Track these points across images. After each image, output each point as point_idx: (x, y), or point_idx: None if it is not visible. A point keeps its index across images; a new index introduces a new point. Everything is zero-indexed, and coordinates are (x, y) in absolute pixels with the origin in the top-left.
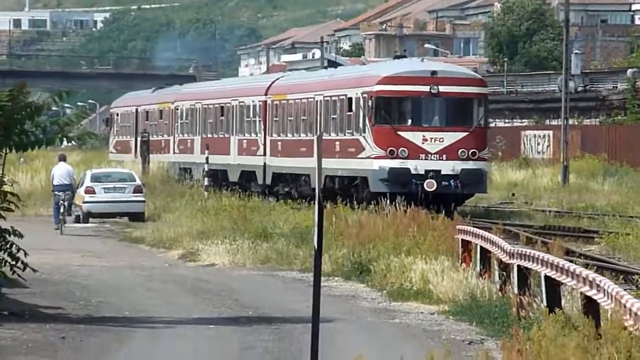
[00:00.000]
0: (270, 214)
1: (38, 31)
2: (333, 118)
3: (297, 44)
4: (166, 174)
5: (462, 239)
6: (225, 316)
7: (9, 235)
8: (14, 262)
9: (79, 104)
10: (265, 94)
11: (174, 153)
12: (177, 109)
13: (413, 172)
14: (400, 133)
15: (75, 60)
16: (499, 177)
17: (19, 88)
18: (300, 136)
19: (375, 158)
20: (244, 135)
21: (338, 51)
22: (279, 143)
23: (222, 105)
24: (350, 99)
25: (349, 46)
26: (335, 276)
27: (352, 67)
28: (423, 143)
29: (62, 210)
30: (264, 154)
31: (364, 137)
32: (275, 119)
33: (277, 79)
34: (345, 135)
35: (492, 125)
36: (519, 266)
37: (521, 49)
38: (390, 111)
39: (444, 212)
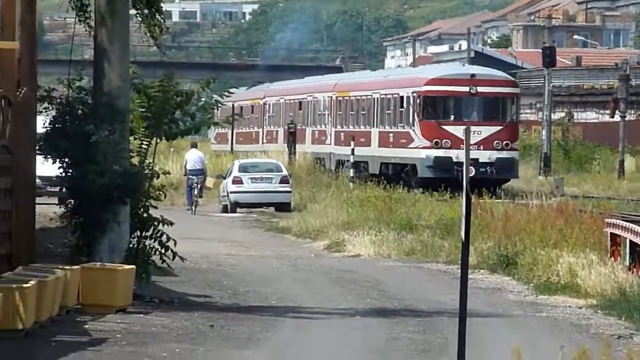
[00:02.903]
0: (414, 206)
1: (188, 23)
2: (388, 113)
3: (443, 35)
4: (311, 165)
5: (610, 233)
6: (370, 307)
7: (159, 224)
8: (163, 251)
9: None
10: (332, 91)
11: (263, 143)
12: (266, 104)
13: (455, 160)
14: (444, 127)
15: (224, 51)
16: None
17: (167, 78)
18: (359, 128)
19: (422, 148)
20: (316, 127)
21: (485, 42)
22: (342, 134)
23: (300, 100)
24: (402, 97)
25: (496, 37)
26: (480, 269)
27: (403, 70)
28: (463, 135)
29: (195, 192)
30: (330, 143)
31: (413, 130)
32: (339, 112)
33: (342, 78)
34: (397, 128)
35: None
36: None
37: None
38: (436, 108)
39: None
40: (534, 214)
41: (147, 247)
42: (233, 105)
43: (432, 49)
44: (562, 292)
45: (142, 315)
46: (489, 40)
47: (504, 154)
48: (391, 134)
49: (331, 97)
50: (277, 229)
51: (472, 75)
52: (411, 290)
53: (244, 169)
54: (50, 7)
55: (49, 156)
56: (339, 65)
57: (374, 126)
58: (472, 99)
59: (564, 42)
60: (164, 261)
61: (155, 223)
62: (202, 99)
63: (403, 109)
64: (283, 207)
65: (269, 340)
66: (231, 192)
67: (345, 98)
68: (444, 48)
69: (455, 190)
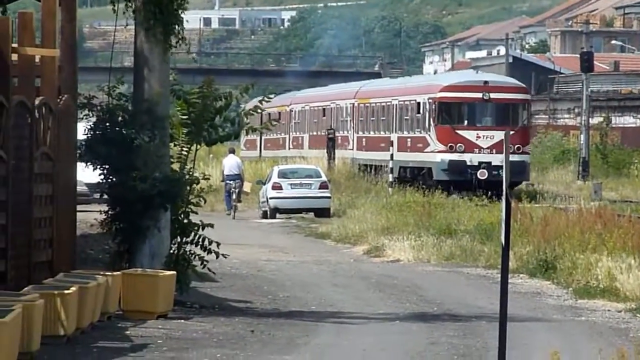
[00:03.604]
0: (453, 210)
1: (227, 29)
2: (406, 119)
3: (481, 40)
4: (351, 171)
5: None
6: (410, 312)
7: (199, 229)
8: (205, 254)
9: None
10: (354, 98)
11: (289, 149)
12: (292, 111)
13: (469, 163)
14: (458, 131)
15: (263, 58)
16: None
17: (207, 84)
18: (380, 133)
19: (437, 152)
20: (339, 132)
21: (523, 48)
22: (364, 139)
23: (323, 107)
24: (418, 104)
25: (534, 43)
26: (520, 273)
27: (420, 77)
28: (477, 139)
29: (233, 197)
30: (352, 149)
31: (429, 135)
32: (360, 119)
33: (363, 86)
34: (414, 133)
35: None
36: None
37: None
38: (450, 114)
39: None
40: (572, 218)
41: (188, 253)
42: (262, 112)
43: (470, 55)
44: (601, 296)
45: (182, 320)
46: (526, 46)
47: (516, 158)
48: (409, 139)
49: (353, 104)
50: (317, 234)
51: (485, 82)
52: (450, 295)
53: (283, 174)
54: (90, 15)
55: (89, 163)
56: (377, 71)
57: (393, 131)
58: (485, 104)
59: (602, 47)
60: (204, 266)
61: (196, 228)
62: (241, 105)
63: (420, 115)
64: (322, 213)
65: (309, 345)
66: (271, 198)
67: (366, 105)
68: (482, 53)
69: (468, 192)
